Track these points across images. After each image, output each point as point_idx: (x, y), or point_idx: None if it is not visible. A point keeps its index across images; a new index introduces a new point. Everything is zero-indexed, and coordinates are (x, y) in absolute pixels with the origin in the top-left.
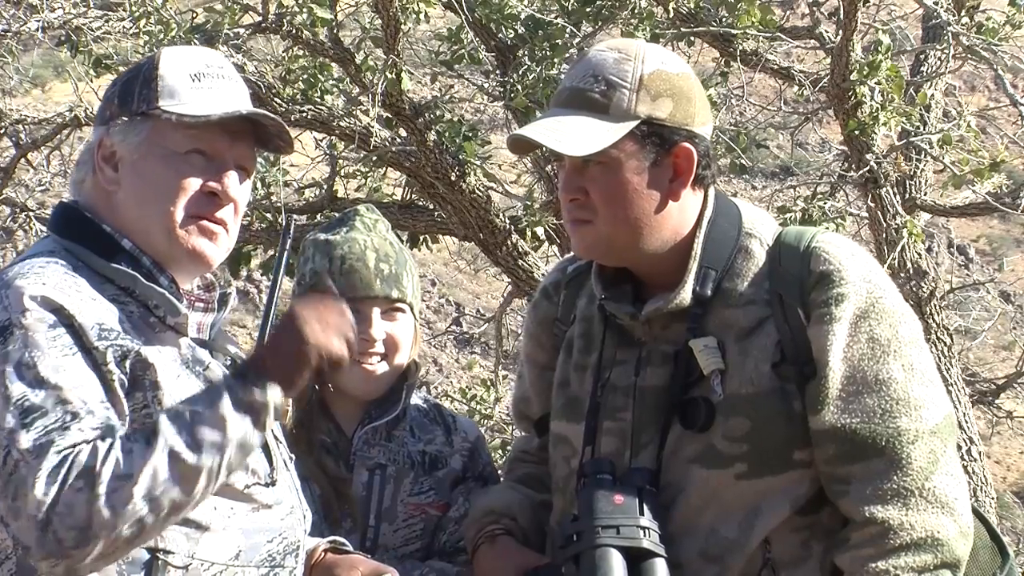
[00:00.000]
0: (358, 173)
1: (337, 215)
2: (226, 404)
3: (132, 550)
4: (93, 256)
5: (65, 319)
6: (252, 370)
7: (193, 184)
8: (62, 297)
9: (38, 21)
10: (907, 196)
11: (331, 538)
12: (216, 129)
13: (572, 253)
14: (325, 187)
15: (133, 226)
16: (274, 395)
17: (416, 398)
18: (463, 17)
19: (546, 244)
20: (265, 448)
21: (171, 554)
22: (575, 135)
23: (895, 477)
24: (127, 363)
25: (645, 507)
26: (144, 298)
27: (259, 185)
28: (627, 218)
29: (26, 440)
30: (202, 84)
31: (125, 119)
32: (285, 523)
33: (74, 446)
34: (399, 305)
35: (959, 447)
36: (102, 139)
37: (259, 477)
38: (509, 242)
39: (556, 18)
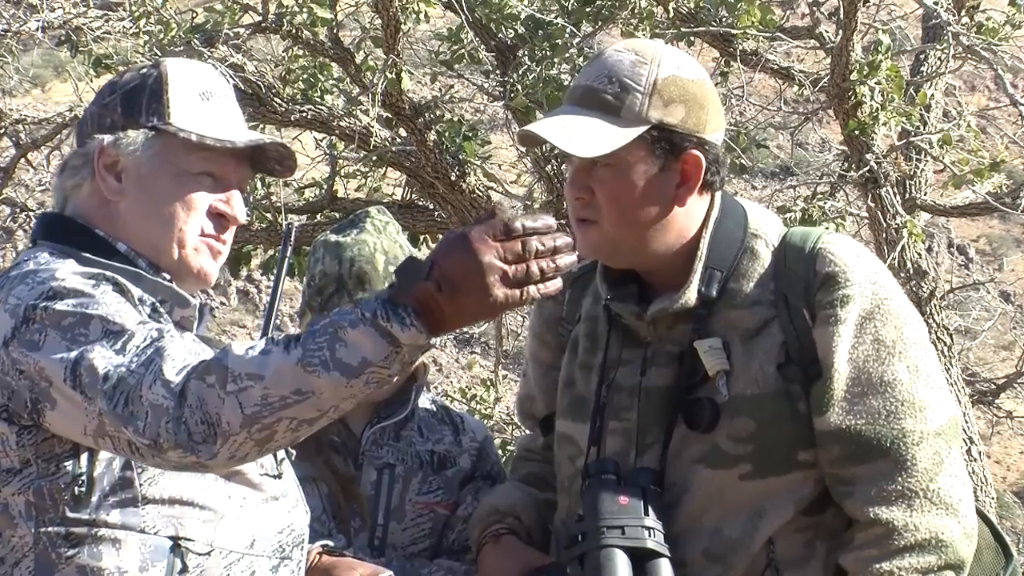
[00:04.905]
0: (358, 173)
1: (337, 215)
2: (367, 328)
3: (260, 457)
4: (91, 258)
5: (108, 279)
6: (409, 302)
7: (203, 204)
8: (94, 270)
9: (38, 21)
10: (907, 196)
11: (322, 542)
12: (227, 152)
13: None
14: (325, 187)
15: (137, 238)
16: (417, 338)
17: (424, 399)
18: (463, 17)
19: None
20: None
21: (192, 541)
22: (585, 136)
23: (900, 478)
24: None
25: (650, 507)
26: (149, 295)
27: (259, 185)
28: (632, 221)
29: (123, 358)
30: (210, 103)
31: (132, 131)
32: (292, 515)
33: (183, 348)
34: None
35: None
36: (103, 147)
37: (266, 469)
38: None
39: (556, 18)
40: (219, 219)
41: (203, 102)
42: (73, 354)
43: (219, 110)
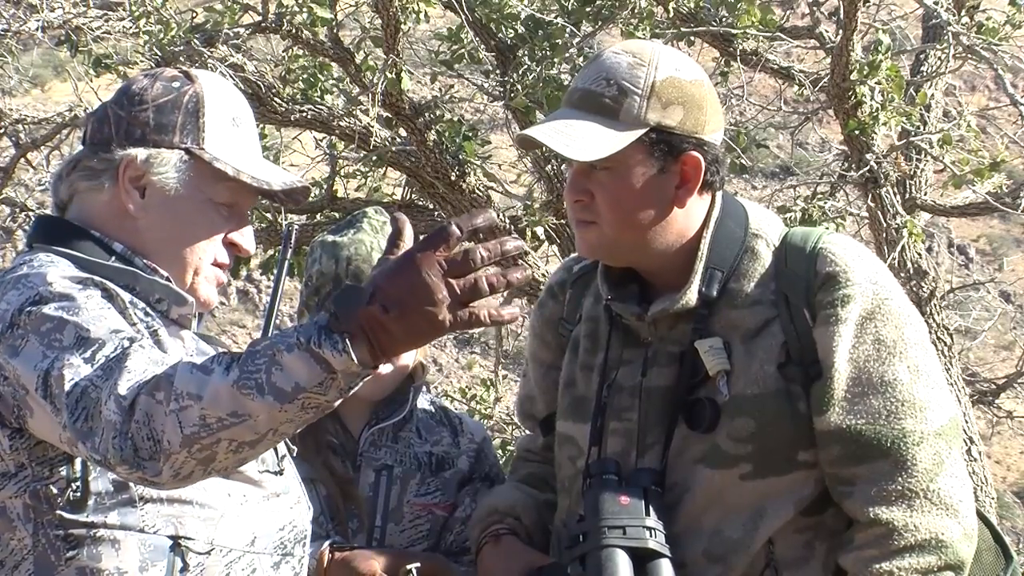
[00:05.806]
0: (358, 173)
1: (337, 215)
2: (302, 354)
3: (208, 478)
4: (87, 259)
5: (96, 284)
6: (348, 328)
7: (221, 234)
8: (86, 273)
9: (38, 21)
10: (907, 196)
11: (330, 539)
12: (249, 185)
13: (575, 253)
14: (325, 187)
15: (152, 255)
16: (350, 365)
17: (423, 400)
18: (463, 17)
19: (546, 244)
20: None
21: (192, 540)
22: (583, 139)
23: (900, 478)
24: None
25: (651, 507)
26: (145, 294)
27: None
28: (631, 222)
29: (90, 369)
30: (239, 130)
31: (165, 150)
32: (294, 512)
33: (146, 361)
34: None
35: None
36: (132, 159)
37: (267, 465)
38: None
39: (556, 18)
40: (230, 248)
41: (234, 128)
42: (46, 363)
43: (246, 138)
